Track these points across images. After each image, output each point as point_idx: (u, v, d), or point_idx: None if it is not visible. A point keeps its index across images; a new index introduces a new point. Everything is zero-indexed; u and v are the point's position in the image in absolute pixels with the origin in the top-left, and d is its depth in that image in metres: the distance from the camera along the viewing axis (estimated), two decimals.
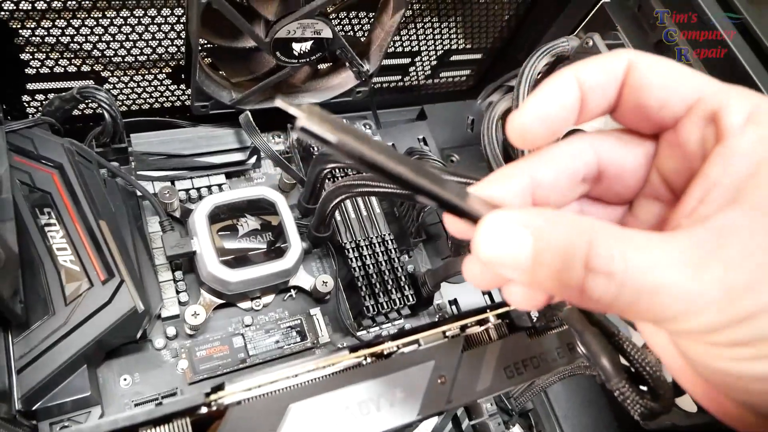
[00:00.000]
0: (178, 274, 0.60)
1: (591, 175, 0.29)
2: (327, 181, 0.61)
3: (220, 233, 0.58)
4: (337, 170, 0.63)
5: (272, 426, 0.36)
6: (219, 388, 0.37)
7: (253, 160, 0.68)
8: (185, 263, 0.61)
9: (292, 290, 0.64)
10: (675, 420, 0.53)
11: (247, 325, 0.61)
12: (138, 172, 0.63)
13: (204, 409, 0.38)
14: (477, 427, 0.64)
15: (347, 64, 0.66)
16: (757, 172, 0.22)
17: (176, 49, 0.62)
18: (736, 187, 0.22)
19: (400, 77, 0.82)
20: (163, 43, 0.60)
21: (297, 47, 0.59)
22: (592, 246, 0.21)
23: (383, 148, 0.24)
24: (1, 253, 0.42)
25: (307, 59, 0.61)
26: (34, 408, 0.46)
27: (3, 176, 0.49)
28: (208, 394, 0.37)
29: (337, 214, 0.64)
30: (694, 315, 0.21)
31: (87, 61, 0.59)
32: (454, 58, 0.83)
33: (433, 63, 0.82)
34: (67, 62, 0.58)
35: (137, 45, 0.59)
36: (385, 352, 0.43)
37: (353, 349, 0.42)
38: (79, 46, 0.57)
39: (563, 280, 0.22)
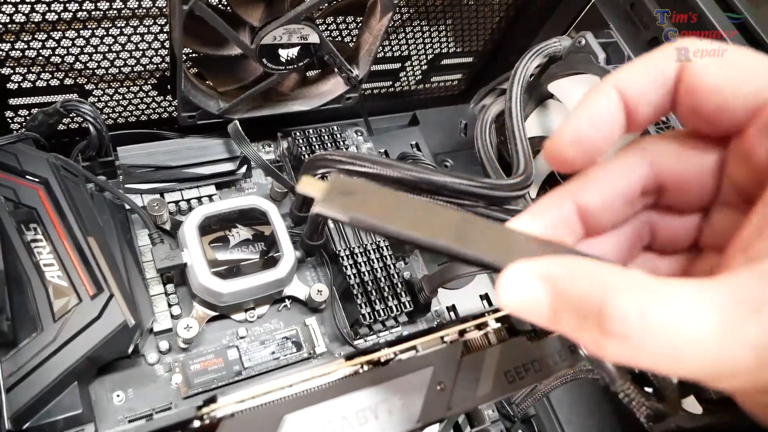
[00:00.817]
0: (170, 287, 0.59)
1: (651, 188, 0.27)
2: None
3: (211, 244, 0.57)
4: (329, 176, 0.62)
5: None
6: (211, 400, 0.36)
7: (243, 170, 0.67)
8: (177, 276, 0.60)
9: (286, 300, 0.62)
10: (680, 422, 0.52)
11: (241, 337, 0.59)
12: (126, 186, 0.62)
13: (197, 423, 0.37)
14: None
15: (336, 70, 0.65)
16: None
17: (161, 60, 0.61)
18: None
19: (390, 83, 0.82)
20: (147, 54, 0.60)
21: (284, 53, 0.58)
22: (605, 305, 0.19)
23: (404, 216, 0.24)
24: None
25: (295, 65, 0.60)
26: (24, 427, 0.45)
27: None
28: (200, 407, 0.36)
29: (330, 221, 0.63)
30: (722, 380, 0.19)
31: (70, 74, 0.58)
32: (445, 62, 0.83)
33: (424, 67, 0.82)
34: (49, 76, 0.57)
35: (120, 56, 0.58)
36: (382, 359, 0.42)
37: (349, 357, 0.41)
38: (60, 59, 0.56)
39: (582, 338, 0.20)
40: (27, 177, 0.53)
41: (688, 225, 0.29)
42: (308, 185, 0.25)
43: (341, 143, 0.69)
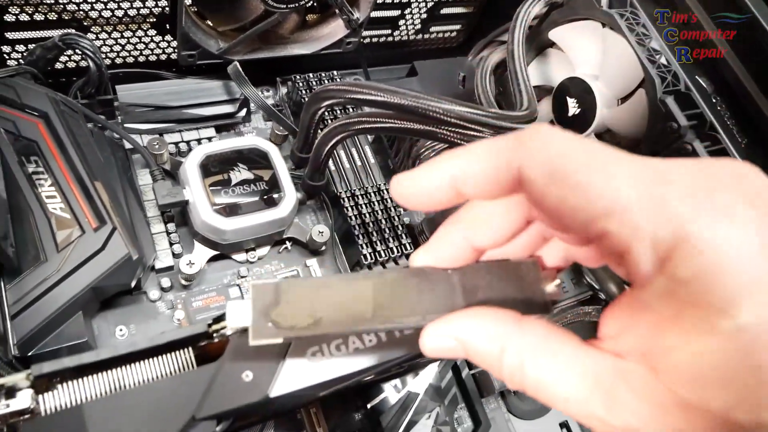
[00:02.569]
0: (171, 226, 0.59)
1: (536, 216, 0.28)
2: (321, 126, 0.59)
3: (212, 184, 0.56)
4: (333, 110, 0.62)
5: (279, 353, 0.35)
6: (221, 318, 0.36)
7: (243, 113, 0.67)
8: (177, 216, 0.60)
9: (287, 242, 0.63)
10: None
11: (242, 277, 0.60)
12: (125, 125, 0.61)
13: (205, 341, 0.37)
14: (477, 376, 0.64)
15: (337, 11, 0.64)
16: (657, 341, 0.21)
17: None
18: (644, 346, 0.22)
19: (389, 31, 0.81)
20: None
21: None
22: (500, 360, 0.24)
23: (327, 309, 0.28)
24: None
25: (296, 4, 0.60)
26: (30, 354, 0.45)
27: None
28: (210, 324, 0.36)
29: (331, 163, 0.63)
30: (583, 421, 0.23)
31: (68, 8, 0.57)
32: (444, 11, 0.82)
33: (423, 16, 0.81)
34: (47, 9, 0.56)
35: None
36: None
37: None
38: None
39: (489, 370, 0.25)
40: (26, 110, 0.53)
41: None
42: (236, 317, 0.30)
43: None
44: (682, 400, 0.20)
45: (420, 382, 0.60)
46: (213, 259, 0.59)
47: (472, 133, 0.44)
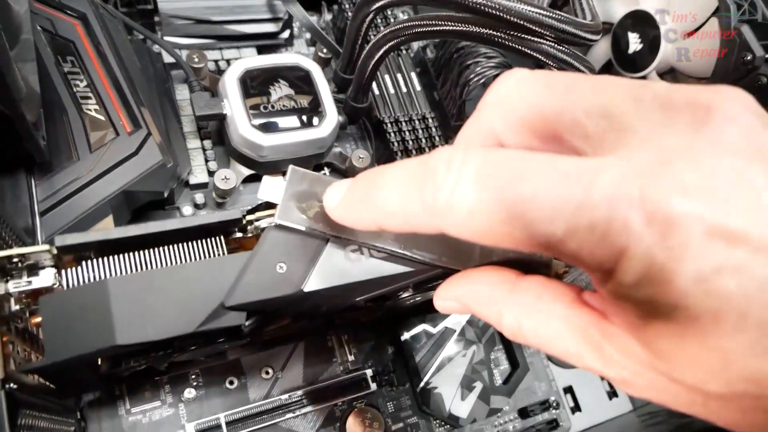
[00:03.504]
0: (207, 143, 0.57)
1: None
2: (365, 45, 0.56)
3: (251, 98, 0.54)
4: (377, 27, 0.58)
5: (315, 249, 0.33)
6: (257, 208, 0.34)
7: (286, 34, 0.64)
8: (214, 134, 0.58)
9: (325, 168, 0.60)
10: None
11: None
12: (165, 38, 0.59)
13: (239, 234, 0.35)
14: None
15: None
16: None
17: None
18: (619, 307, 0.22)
19: None
20: None
21: None
22: (499, 324, 0.26)
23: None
24: (22, 85, 0.39)
25: None
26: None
27: (23, 16, 0.45)
28: (245, 213, 0.34)
29: (375, 88, 0.60)
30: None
31: None
32: None
33: None
34: None
35: None
36: None
37: None
38: None
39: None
40: (65, 10, 0.51)
41: None
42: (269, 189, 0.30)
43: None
44: (659, 367, 0.20)
45: (457, 319, 0.58)
46: (248, 180, 0.57)
47: (532, 37, 0.40)
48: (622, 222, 0.18)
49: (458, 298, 0.28)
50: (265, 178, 0.28)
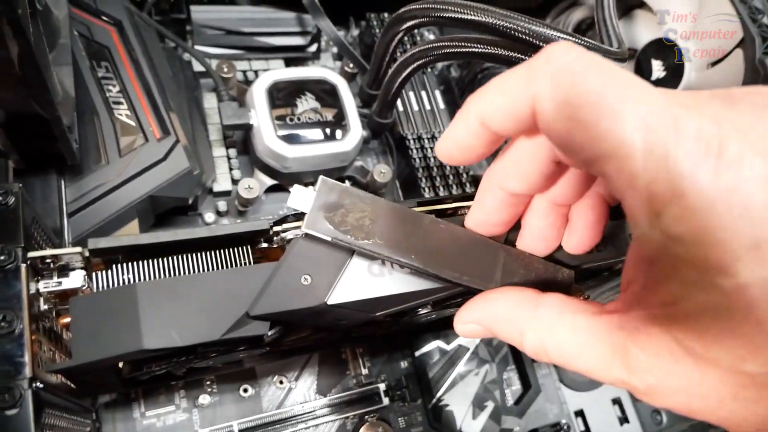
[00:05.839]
0: (232, 152, 0.58)
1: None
2: (392, 64, 0.57)
3: (278, 110, 0.55)
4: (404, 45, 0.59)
5: (340, 262, 0.33)
6: (284, 219, 0.35)
7: (313, 47, 0.65)
8: (239, 144, 0.59)
9: (347, 181, 0.61)
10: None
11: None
12: (196, 47, 0.61)
13: (264, 244, 0.35)
14: None
15: None
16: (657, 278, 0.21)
17: None
18: (640, 295, 0.23)
19: None
20: None
21: None
22: (521, 341, 0.26)
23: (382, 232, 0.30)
24: (59, 88, 0.40)
25: None
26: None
27: (62, 21, 0.47)
28: (272, 224, 0.34)
29: (399, 105, 0.61)
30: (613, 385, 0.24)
31: None
32: None
33: None
34: None
35: None
36: (449, 212, 0.40)
37: (420, 204, 0.39)
38: None
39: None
40: (101, 16, 0.52)
41: None
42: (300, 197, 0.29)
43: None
44: (692, 351, 0.20)
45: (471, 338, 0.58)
46: (270, 190, 0.58)
47: None
48: (692, 165, 0.18)
49: (480, 320, 0.29)
50: (296, 187, 0.28)
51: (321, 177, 0.29)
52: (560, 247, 0.32)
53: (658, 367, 0.21)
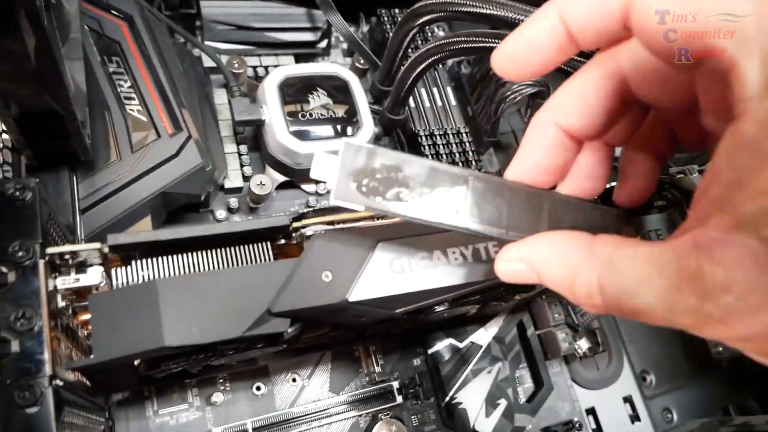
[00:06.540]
0: (243, 148, 0.57)
1: (629, 98, 0.26)
2: (404, 62, 0.57)
3: (289, 105, 0.54)
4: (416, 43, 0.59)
5: (360, 259, 0.33)
6: (304, 215, 0.34)
7: (324, 43, 0.65)
8: (250, 141, 0.58)
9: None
10: None
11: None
12: (206, 42, 0.60)
13: (283, 241, 0.35)
14: (542, 337, 0.61)
15: None
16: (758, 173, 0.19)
17: None
18: (725, 196, 0.20)
19: None
20: None
21: None
22: (573, 283, 0.24)
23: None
24: (71, 83, 0.40)
25: None
26: None
27: (73, 15, 0.46)
28: (293, 219, 0.34)
29: (411, 101, 0.60)
30: (674, 323, 0.21)
31: None
32: None
33: None
34: None
35: None
36: None
37: None
38: None
39: (565, 295, 0.25)
40: (112, 11, 0.52)
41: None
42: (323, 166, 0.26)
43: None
44: None
45: (483, 336, 0.58)
46: (282, 186, 0.57)
47: (580, 58, 0.40)
48: None
49: (527, 259, 0.26)
50: (319, 154, 0.26)
51: (344, 140, 0.26)
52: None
53: (739, 282, 0.18)
